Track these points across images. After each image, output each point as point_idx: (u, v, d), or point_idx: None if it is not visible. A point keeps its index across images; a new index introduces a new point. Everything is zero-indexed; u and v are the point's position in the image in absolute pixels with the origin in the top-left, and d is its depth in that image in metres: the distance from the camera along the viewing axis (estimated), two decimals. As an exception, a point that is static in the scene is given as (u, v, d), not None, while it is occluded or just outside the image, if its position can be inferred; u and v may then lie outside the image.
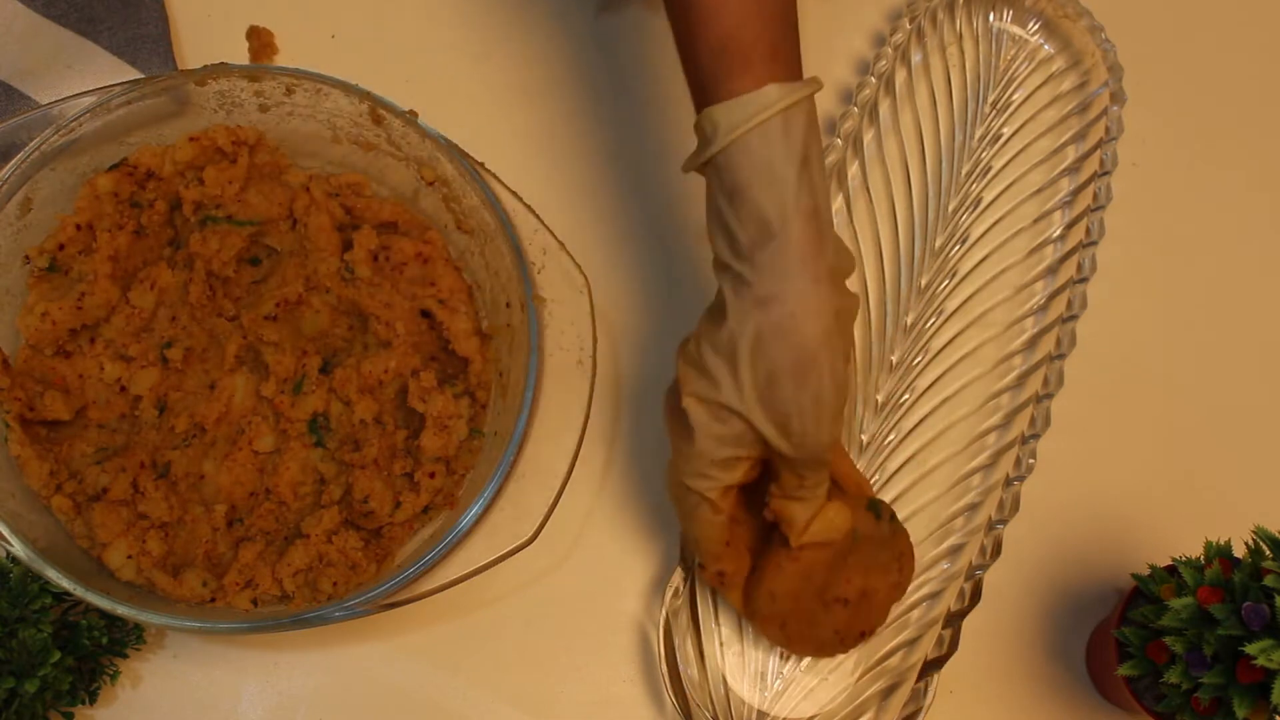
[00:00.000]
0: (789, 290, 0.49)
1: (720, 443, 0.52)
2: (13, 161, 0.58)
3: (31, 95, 0.68)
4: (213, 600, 0.58)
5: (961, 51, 0.74)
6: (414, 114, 0.61)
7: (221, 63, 0.62)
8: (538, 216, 0.61)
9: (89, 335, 0.61)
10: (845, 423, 0.66)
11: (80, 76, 0.69)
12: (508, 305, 0.61)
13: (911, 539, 0.63)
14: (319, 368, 0.62)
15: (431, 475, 0.60)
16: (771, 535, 0.57)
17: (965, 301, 0.69)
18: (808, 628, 0.58)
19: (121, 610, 0.53)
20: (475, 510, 0.56)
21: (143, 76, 0.68)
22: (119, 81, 0.64)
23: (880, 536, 0.58)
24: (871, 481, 0.65)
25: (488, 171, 0.61)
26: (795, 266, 0.49)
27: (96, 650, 0.57)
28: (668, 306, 0.69)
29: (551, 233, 0.61)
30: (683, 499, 0.55)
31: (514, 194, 0.61)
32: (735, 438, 0.52)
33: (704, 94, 0.51)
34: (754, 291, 0.50)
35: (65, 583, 0.53)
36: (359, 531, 0.59)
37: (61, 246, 0.61)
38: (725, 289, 0.51)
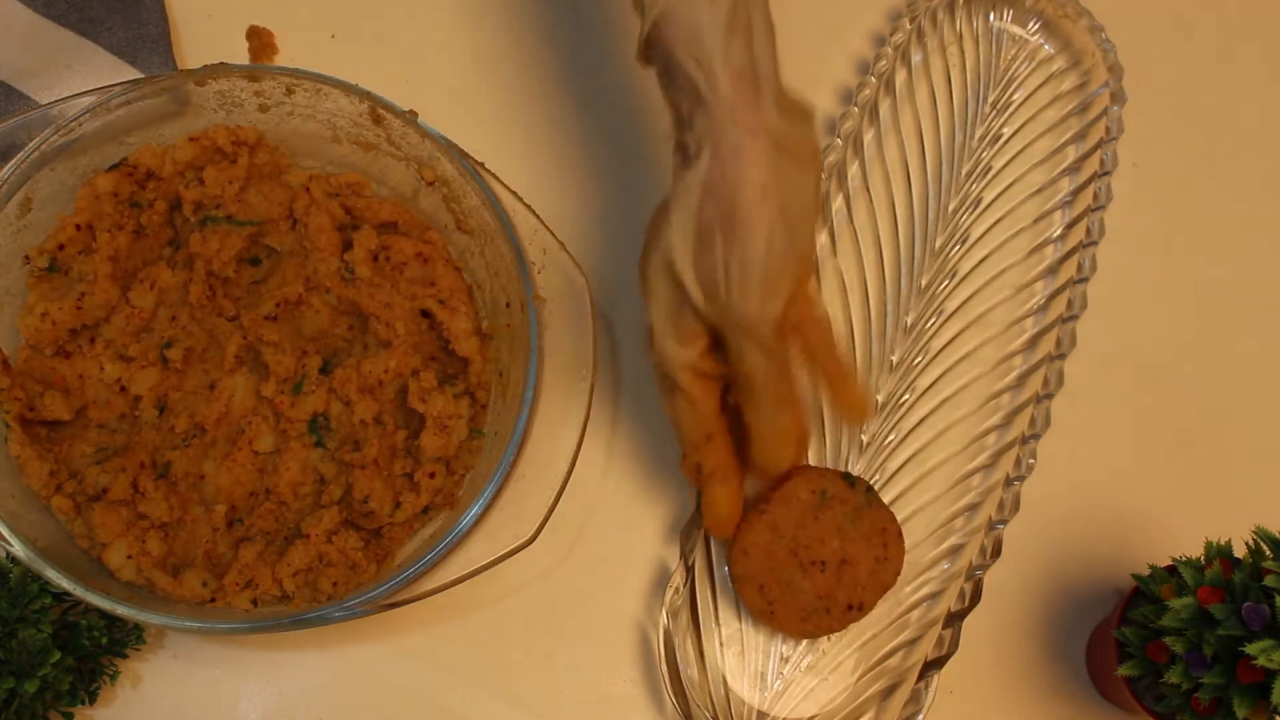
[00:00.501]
0: (720, 145, 0.49)
1: (670, 312, 0.52)
2: (13, 161, 0.58)
3: (31, 95, 0.68)
4: (213, 600, 0.57)
5: (961, 51, 0.74)
6: (414, 114, 0.61)
7: (221, 63, 0.62)
8: (538, 216, 0.61)
9: (89, 335, 0.61)
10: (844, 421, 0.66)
11: (80, 76, 0.69)
12: (508, 305, 0.61)
13: (911, 539, 0.63)
14: (319, 368, 0.62)
15: (431, 475, 0.60)
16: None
17: (965, 301, 0.69)
18: (787, 592, 0.58)
19: (121, 610, 0.53)
20: (475, 510, 0.56)
21: (143, 76, 0.68)
22: (119, 81, 0.64)
23: (854, 502, 0.59)
24: (871, 480, 0.65)
25: (488, 171, 0.61)
26: (725, 122, 0.49)
27: (96, 650, 0.57)
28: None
29: (552, 233, 0.61)
30: (660, 382, 0.54)
31: (514, 194, 0.61)
32: (676, 304, 0.51)
33: None
34: (690, 155, 0.50)
35: (65, 583, 0.53)
36: (359, 531, 0.59)
37: (61, 246, 0.61)
38: (676, 164, 0.51)
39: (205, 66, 0.61)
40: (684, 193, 0.50)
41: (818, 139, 0.52)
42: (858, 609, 0.59)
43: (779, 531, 0.58)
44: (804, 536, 0.58)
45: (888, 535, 0.59)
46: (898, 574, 0.60)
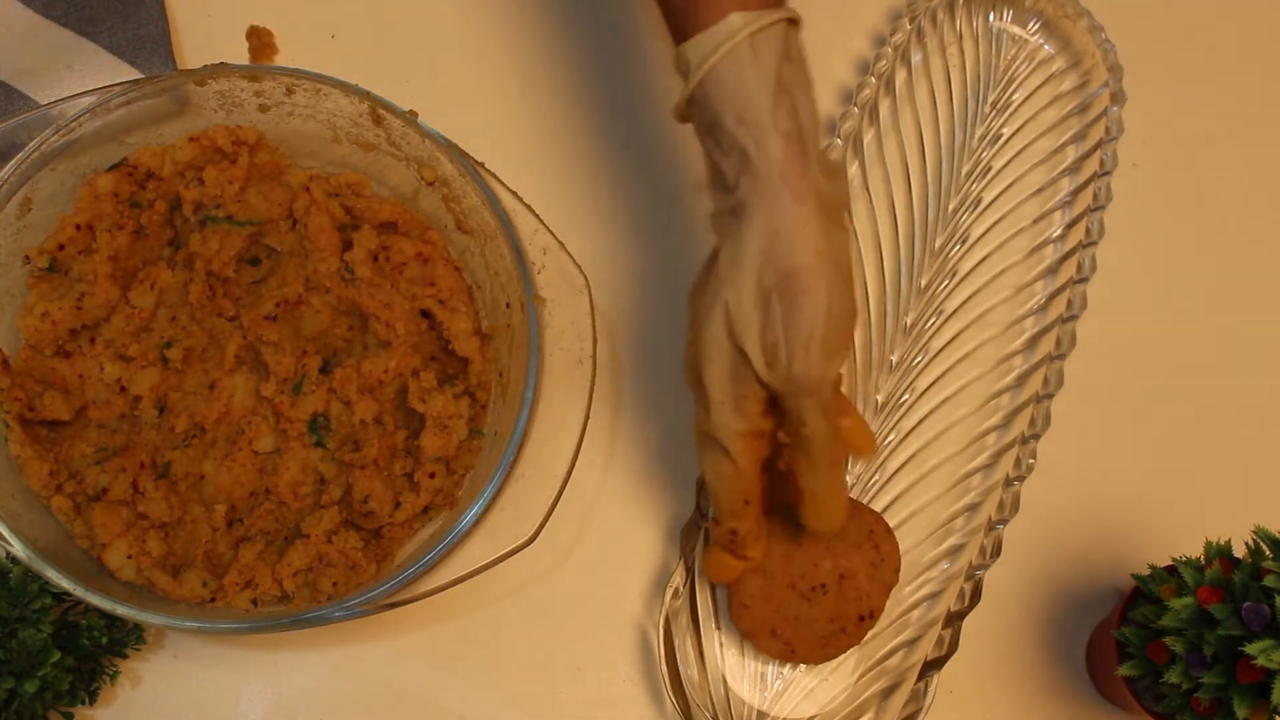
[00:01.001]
0: (774, 210, 0.49)
1: (724, 379, 0.51)
2: (13, 162, 0.58)
3: (31, 95, 0.68)
4: (213, 600, 0.57)
5: (961, 51, 0.74)
6: (414, 114, 0.61)
7: (221, 63, 0.62)
8: (538, 216, 0.61)
9: (89, 335, 0.61)
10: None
11: (80, 77, 0.69)
12: (508, 305, 0.61)
13: (912, 539, 0.63)
14: (319, 368, 0.62)
15: (431, 475, 0.60)
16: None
17: (965, 301, 0.69)
18: (800, 626, 0.58)
19: (121, 610, 0.53)
20: (475, 510, 0.56)
21: (143, 76, 0.68)
22: (119, 81, 0.64)
23: None
24: (870, 482, 0.65)
25: (487, 171, 0.61)
26: (776, 185, 0.49)
27: (96, 650, 0.57)
28: (668, 306, 0.69)
29: (551, 233, 0.61)
30: (703, 448, 0.54)
31: (514, 194, 0.61)
32: (735, 371, 0.51)
33: (676, 32, 0.52)
34: (739, 219, 0.50)
35: (65, 583, 0.53)
36: (359, 532, 0.59)
37: (61, 247, 0.61)
38: (721, 227, 0.51)
39: (205, 66, 0.61)
40: (738, 258, 0.50)
41: (847, 194, 0.52)
42: (870, 617, 0.59)
43: (770, 574, 0.58)
44: (795, 568, 0.58)
45: (877, 536, 0.59)
46: (897, 570, 0.60)
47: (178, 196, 0.63)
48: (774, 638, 0.58)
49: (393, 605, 0.55)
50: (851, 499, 0.60)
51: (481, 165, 0.61)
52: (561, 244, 0.61)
